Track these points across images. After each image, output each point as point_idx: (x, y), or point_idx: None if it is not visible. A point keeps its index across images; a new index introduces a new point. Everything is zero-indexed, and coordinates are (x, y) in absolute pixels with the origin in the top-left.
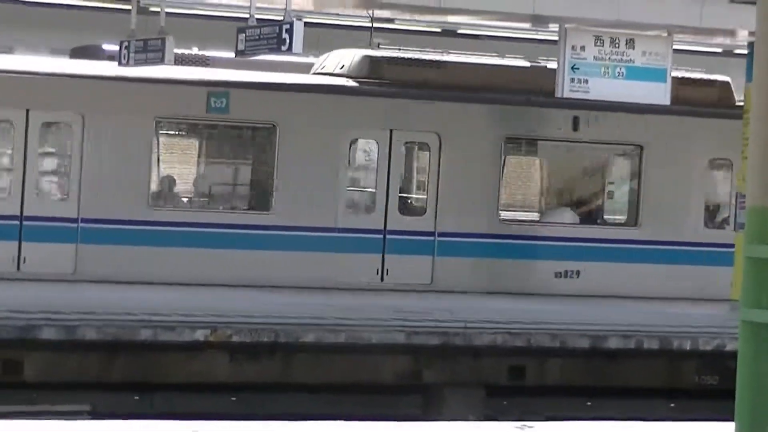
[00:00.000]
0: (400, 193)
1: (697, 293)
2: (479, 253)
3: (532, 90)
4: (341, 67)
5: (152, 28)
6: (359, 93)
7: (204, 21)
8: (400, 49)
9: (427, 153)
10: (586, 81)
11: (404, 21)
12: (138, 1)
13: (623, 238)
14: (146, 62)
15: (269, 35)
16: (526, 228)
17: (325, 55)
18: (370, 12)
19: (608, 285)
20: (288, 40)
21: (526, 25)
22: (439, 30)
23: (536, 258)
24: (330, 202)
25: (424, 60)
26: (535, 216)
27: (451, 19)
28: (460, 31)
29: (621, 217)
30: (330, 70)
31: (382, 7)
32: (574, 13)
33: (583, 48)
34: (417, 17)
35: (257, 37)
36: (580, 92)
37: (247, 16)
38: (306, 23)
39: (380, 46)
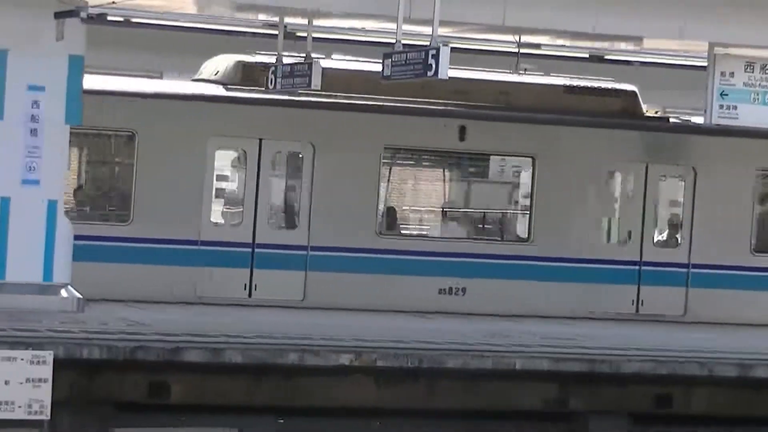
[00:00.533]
0: (270, 204)
1: (597, 312)
2: (356, 269)
3: (417, 98)
4: (216, 74)
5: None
6: (224, 100)
7: (348, 46)
8: (279, 55)
9: (300, 163)
10: (735, 107)
11: (551, 46)
12: (285, 27)
13: (514, 254)
14: (293, 87)
15: (415, 60)
16: (407, 242)
17: (207, 62)
18: (517, 38)
19: (497, 302)
20: (434, 66)
21: (674, 51)
22: (586, 55)
23: (419, 274)
24: (193, 213)
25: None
26: (420, 230)
27: (599, 45)
28: (608, 57)
29: (513, 232)
30: (206, 77)
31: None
32: (723, 38)
33: (732, 74)
34: (567, 43)
35: (403, 63)
36: (729, 119)
37: (393, 41)
38: (452, 48)
39: (526, 71)
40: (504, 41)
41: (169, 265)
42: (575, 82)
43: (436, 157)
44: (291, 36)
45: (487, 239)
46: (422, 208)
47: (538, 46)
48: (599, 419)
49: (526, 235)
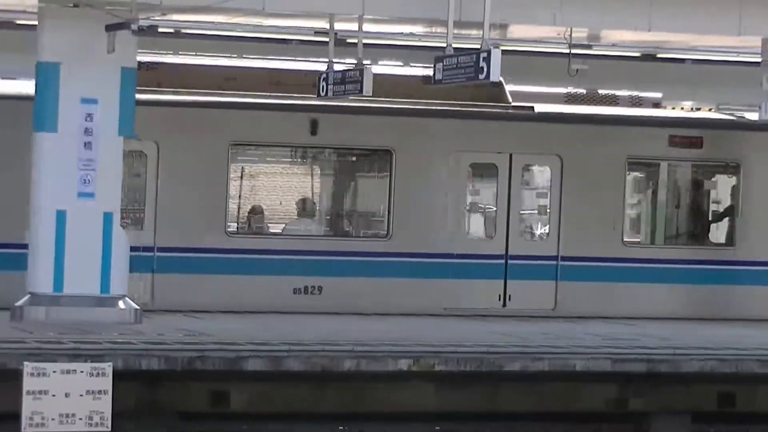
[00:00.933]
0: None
1: (464, 309)
2: (206, 269)
3: (264, 92)
4: None
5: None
6: None
7: (399, 51)
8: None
9: (144, 162)
10: None
11: (602, 46)
12: (335, 33)
13: (371, 250)
14: (345, 93)
15: (467, 64)
16: (259, 241)
17: None
18: (567, 38)
19: (356, 301)
20: (486, 69)
21: (728, 47)
22: (638, 54)
23: (272, 273)
24: (22, 217)
25: (139, 62)
26: (273, 228)
27: (652, 38)
28: (660, 56)
29: (371, 229)
30: None
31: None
32: None
33: None
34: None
35: (454, 66)
36: None
37: (444, 45)
38: (504, 51)
39: (578, 71)
40: (555, 41)
41: (11, 270)
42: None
43: (288, 152)
44: (341, 43)
45: (343, 236)
46: (275, 206)
47: (589, 46)
48: (661, 419)
49: (386, 232)
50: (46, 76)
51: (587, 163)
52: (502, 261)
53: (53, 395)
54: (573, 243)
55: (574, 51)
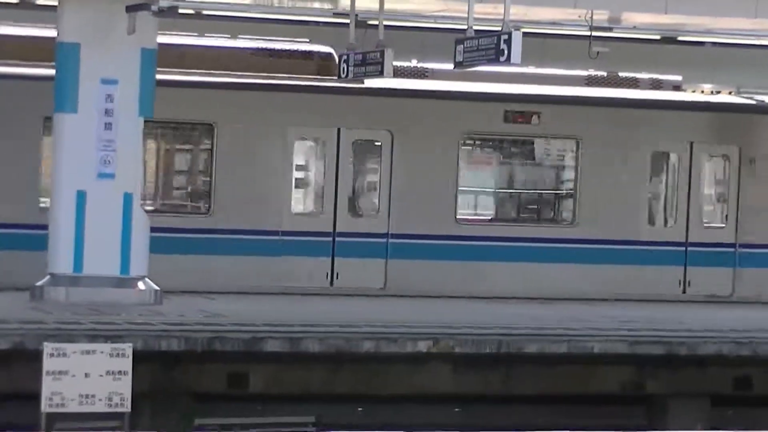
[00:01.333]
0: None
1: (288, 288)
2: (17, 246)
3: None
4: None
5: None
6: None
7: (422, 33)
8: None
9: None
10: None
11: (623, 29)
12: (356, 15)
13: (192, 227)
14: (365, 75)
15: (487, 46)
16: None
17: None
18: (588, 20)
19: (175, 279)
20: (506, 51)
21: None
22: (658, 37)
23: None
24: None
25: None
26: None
27: (670, 20)
28: (680, 38)
29: (193, 205)
30: None
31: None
32: None
33: None
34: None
35: (475, 48)
36: None
37: (466, 27)
38: (525, 33)
39: (599, 54)
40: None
41: None
42: (265, 45)
43: None
44: (362, 24)
45: (163, 212)
46: None
47: (610, 29)
48: (678, 402)
49: (207, 207)
50: (67, 56)
51: (419, 138)
52: (330, 238)
53: (73, 376)
54: (404, 220)
55: (594, 34)
